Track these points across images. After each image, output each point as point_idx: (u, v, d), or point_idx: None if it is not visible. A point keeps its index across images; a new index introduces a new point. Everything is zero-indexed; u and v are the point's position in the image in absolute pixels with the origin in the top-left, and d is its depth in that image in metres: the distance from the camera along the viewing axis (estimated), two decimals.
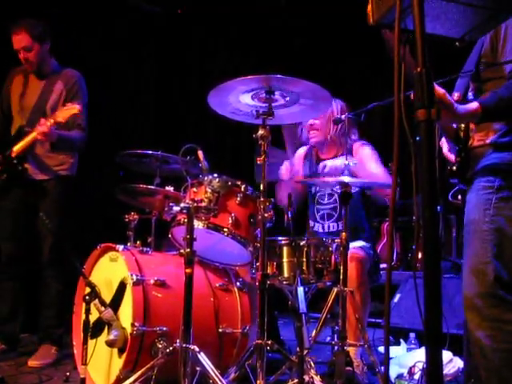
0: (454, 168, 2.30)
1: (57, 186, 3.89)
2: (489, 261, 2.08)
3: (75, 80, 3.94)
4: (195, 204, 2.69)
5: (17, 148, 3.74)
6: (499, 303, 2.06)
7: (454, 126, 2.28)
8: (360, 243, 3.56)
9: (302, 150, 4.07)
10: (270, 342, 2.58)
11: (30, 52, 3.80)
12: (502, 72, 2.15)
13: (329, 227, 3.76)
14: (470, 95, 2.29)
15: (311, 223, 3.86)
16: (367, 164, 3.64)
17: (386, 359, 1.50)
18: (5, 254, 3.90)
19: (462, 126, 2.27)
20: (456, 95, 2.24)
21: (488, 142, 2.19)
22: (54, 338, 3.79)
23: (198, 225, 2.84)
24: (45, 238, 3.78)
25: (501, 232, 2.09)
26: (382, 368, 2.87)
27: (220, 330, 3.06)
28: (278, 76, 2.56)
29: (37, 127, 3.63)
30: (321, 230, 3.79)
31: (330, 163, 3.79)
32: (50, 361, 3.66)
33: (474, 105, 2.07)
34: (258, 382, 2.51)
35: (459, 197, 2.99)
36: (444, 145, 2.41)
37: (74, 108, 3.64)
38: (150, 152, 3.47)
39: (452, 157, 2.34)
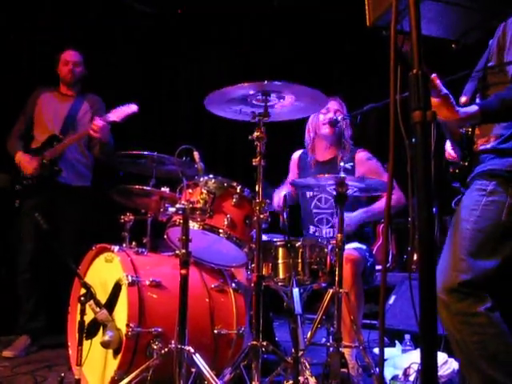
0: (457, 170, 2.32)
1: (83, 195, 4.30)
2: (463, 258, 2.11)
3: (100, 103, 4.48)
4: (191, 205, 2.69)
5: (50, 152, 4.13)
6: (465, 297, 2.08)
7: (462, 131, 2.31)
8: (355, 245, 3.57)
9: (296, 154, 4.08)
10: (265, 343, 2.57)
11: (77, 67, 4.41)
12: (506, 77, 2.17)
13: (326, 233, 3.76)
14: (478, 99, 2.30)
15: (311, 228, 3.86)
16: (374, 175, 3.61)
17: (380, 361, 1.50)
18: (28, 253, 4.12)
19: (469, 130, 2.29)
20: (464, 99, 2.26)
21: (489, 147, 2.21)
22: (29, 330, 4.08)
23: (193, 226, 2.84)
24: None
25: (482, 233, 2.12)
26: (377, 369, 2.87)
27: (215, 331, 3.06)
28: (275, 83, 2.58)
29: (94, 124, 3.95)
30: (317, 234, 3.79)
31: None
32: (23, 354, 3.92)
33: (474, 108, 2.09)
34: (253, 383, 2.52)
35: None
36: (448, 146, 2.43)
37: (131, 107, 3.98)
38: (146, 153, 3.46)
39: (454, 154, 2.37)
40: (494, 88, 2.23)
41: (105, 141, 4.10)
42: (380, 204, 3.71)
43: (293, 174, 4.08)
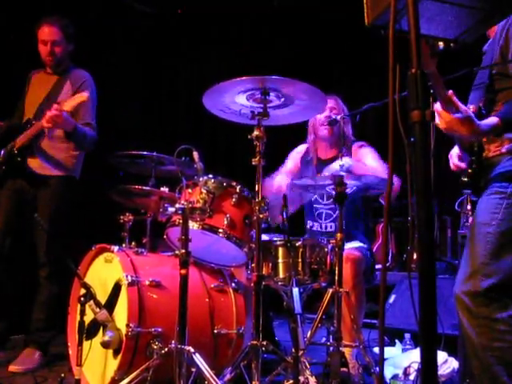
0: (467, 179, 2.32)
1: (59, 185, 3.84)
2: (487, 262, 2.10)
3: (84, 80, 3.95)
4: (190, 205, 2.68)
5: (20, 139, 3.73)
6: (489, 302, 2.08)
7: None
8: (356, 244, 3.57)
9: (301, 148, 4.07)
10: (265, 343, 2.57)
11: (57, 47, 3.87)
12: None
13: (326, 227, 3.77)
14: (482, 108, 2.30)
15: (309, 223, 3.87)
16: (365, 159, 3.66)
17: (380, 360, 1.50)
18: None
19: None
20: (472, 108, 2.26)
21: (504, 150, 2.21)
22: (40, 342, 3.70)
23: (193, 226, 2.84)
24: (41, 237, 3.73)
25: (505, 236, 2.11)
26: (377, 368, 2.87)
27: (215, 331, 3.06)
28: (274, 77, 2.57)
29: (44, 116, 3.58)
30: (319, 230, 3.80)
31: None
32: (31, 366, 3.53)
33: (495, 119, 2.10)
34: (253, 382, 2.51)
35: (468, 207, 3.02)
36: (454, 154, 2.43)
37: (82, 96, 3.59)
38: (145, 153, 3.46)
39: (458, 163, 2.37)
40: (503, 93, 2.23)
41: (70, 130, 3.69)
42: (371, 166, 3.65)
43: (295, 165, 4.06)
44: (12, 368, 3.49)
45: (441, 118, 2.08)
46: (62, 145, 3.86)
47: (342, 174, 3.06)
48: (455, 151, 2.44)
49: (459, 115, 2.04)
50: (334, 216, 3.73)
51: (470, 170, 2.31)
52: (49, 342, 3.77)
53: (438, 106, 2.09)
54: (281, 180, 3.86)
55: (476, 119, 2.06)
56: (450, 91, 2.03)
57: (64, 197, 3.88)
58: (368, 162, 3.67)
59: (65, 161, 3.89)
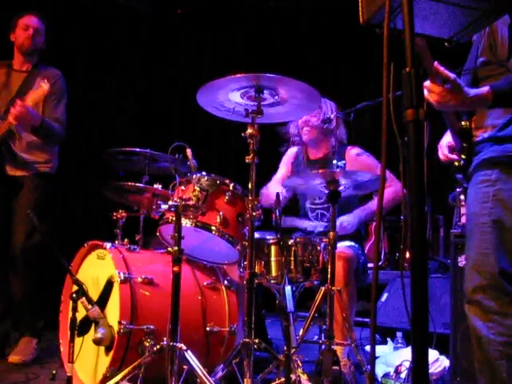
0: (460, 164, 2.31)
1: (34, 182, 3.81)
2: (489, 252, 2.08)
3: (56, 79, 3.90)
4: (183, 202, 2.68)
5: None
6: (500, 296, 2.06)
7: (462, 123, 2.29)
8: (348, 243, 3.57)
9: (293, 150, 4.07)
10: (257, 341, 2.58)
11: (38, 36, 3.89)
12: (497, 69, 2.16)
13: (321, 227, 3.76)
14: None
15: (304, 223, 3.86)
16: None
17: (372, 358, 1.50)
18: None
19: (467, 124, 2.28)
20: None
21: (487, 136, 2.20)
22: (35, 330, 3.74)
23: (185, 223, 2.83)
24: (19, 226, 3.71)
25: (500, 224, 2.09)
26: (369, 367, 2.88)
27: (207, 329, 3.06)
28: (268, 75, 2.56)
29: (10, 112, 3.54)
30: (310, 229, 3.79)
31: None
32: (31, 357, 3.61)
33: (485, 88, 2.05)
34: (245, 380, 2.51)
35: (461, 197, 3.01)
36: (443, 144, 2.43)
37: (42, 88, 3.56)
38: (139, 150, 3.45)
39: (452, 155, 2.36)
40: (486, 81, 2.21)
41: (37, 125, 3.66)
42: (377, 201, 3.70)
43: (287, 170, 4.06)
44: (12, 359, 3.55)
45: (430, 91, 2.04)
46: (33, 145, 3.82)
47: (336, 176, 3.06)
48: (445, 141, 2.43)
49: (448, 85, 2.02)
50: (328, 216, 3.72)
51: (463, 155, 2.31)
52: (42, 329, 3.81)
53: (426, 83, 2.06)
54: (275, 189, 3.85)
55: (465, 87, 2.03)
56: (436, 62, 2.00)
57: (42, 193, 3.85)
58: None
59: (39, 161, 3.85)
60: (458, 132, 2.32)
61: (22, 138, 3.79)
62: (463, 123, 2.29)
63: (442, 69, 2.01)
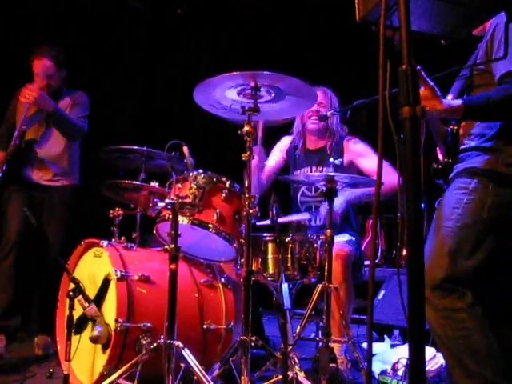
0: (439, 166, 2.34)
1: (63, 195, 4.04)
2: (444, 255, 2.15)
3: (82, 98, 4.14)
4: (180, 200, 2.68)
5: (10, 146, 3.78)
6: (448, 294, 2.12)
7: (448, 128, 2.32)
8: (346, 237, 3.57)
9: (285, 141, 4.07)
10: (254, 338, 2.57)
11: (51, 80, 3.97)
12: (492, 79, 2.18)
13: (315, 220, 3.76)
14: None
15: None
16: (361, 162, 3.69)
17: (368, 355, 1.50)
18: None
19: (455, 128, 2.30)
20: (450, 97, 2.27)
21: (473, 145, 2.23)
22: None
23: (182, 221, 2.83)
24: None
25: (463, 231, 2.15)
26: (366, 364, 2.88)
27: (204, 326, 3.06)
28: (265, 72, 2.56)
29: (21, 92, 3.69)
30: (307, 224, 3.79)
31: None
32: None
33: (458, 101, 2.12)
34: (243, 378, 2.51)
35: None
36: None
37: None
38: (136, 147, 3.45)
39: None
40: (479, 89, 2.25)
41: (51, 111, 3.80)
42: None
43: (281, 158, 4.06)
44: None
45: None
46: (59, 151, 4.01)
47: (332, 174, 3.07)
48: None
49: (423, 88, 2.06)
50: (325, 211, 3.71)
51: (445, 160, 2.34)
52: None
53: None
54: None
55: (441, 95, 2.09)
56: (418, 67, 2.04)
57: (69, 206, 4.08)
58: (366, 164, 3.68)
59: (65, 172, 4.08)
60: (442, 138, 2.35)
61: (47, 144, 4.00)
62: (452, 127, 2.32)
63: (423, 74, 2.05)
